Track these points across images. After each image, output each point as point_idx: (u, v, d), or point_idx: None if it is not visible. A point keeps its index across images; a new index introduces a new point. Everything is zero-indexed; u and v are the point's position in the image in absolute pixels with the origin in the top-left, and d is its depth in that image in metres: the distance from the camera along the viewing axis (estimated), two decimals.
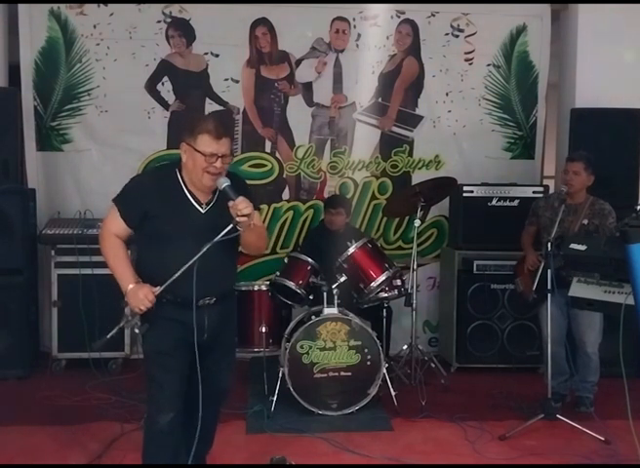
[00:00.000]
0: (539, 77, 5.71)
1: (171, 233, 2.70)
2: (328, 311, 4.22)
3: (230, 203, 2.62)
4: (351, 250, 4.30)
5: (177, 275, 2.58)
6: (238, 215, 2.58)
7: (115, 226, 2.75)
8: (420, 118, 5.68)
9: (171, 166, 2.83)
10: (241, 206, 2.58)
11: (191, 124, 2.74)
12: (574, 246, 3.38)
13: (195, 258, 2.56)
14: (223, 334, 2.89)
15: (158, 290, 2.62)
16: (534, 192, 5.16)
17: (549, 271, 3.87)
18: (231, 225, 2.60)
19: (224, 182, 2.67)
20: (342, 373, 4.16)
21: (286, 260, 4.59)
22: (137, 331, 2.72)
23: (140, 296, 2.60)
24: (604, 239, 3.60)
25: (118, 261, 2.74)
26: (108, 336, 2.68)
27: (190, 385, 2.79)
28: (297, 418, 4.06)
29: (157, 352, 2.77)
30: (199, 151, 2.65)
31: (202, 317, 2.71)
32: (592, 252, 3.30)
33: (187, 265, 2.57)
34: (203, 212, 2.75)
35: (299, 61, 5.56)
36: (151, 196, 2.72)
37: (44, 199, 5.32)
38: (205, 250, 2.56)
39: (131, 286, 2.65)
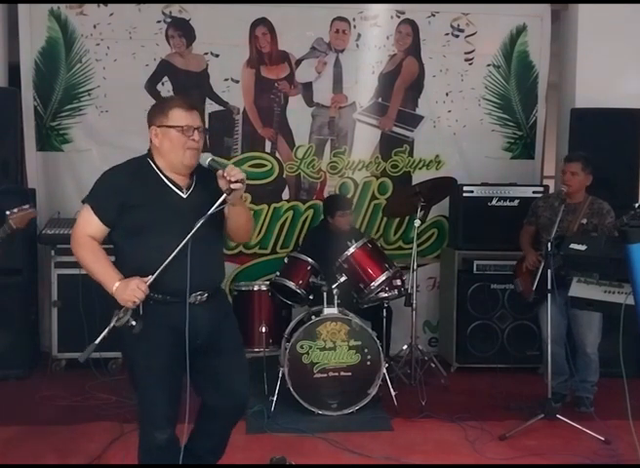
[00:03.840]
0: (539, 77, 5.70)
1: (154, 222, 2.54)
2: (328, 311, 4.22)
3: (219, 172, 2.51)
4: (351, 250, 4.29)
5: (170, 257, 2.43)
6: (231, 182, 2.47)
7: (90, 227, 2.56)
8: (420, 118, 5.68)
9: (139, 157, 2.68)
10: (233, 171, 2.49)
11: (157, 107, 2.65)
12: (574, 246, 3.38)
13: (188, 237, 2.43)
14: (224, 336, 2.74)
15: (150, 279, 2.46)
16: (534, 192, 5.15)
17: (549, 271, 3.86)
18: (224, 195, 2.50)
19: (208, 157, 2.58)
20: (342, 373, 4.15)
21: (286, 260, 4.58)
22: (133, 323, 2.48)
23: (131, 287, 2.42)
24: (604, 239, 3.59)
25: (99, 264, 2.54)
26: (97, 342, 2.42)
27: (204, 393, 2.70)
28: (297, 418, 4.06)
29: (148, 368, 2.57)
30: (174, 126, 2.54)
31: (193, 317, 2.52)
32: (592, 251, 3.30)
33: (181, 245, 2.43)
34: (185, 196, 2.61)
35: (299, 61, 5.55)
36: (126, 187, 2.55)
37: (44, 199, 5.32)
38: (199, 225, 2.43)
39: (117, 283, 2.47)
